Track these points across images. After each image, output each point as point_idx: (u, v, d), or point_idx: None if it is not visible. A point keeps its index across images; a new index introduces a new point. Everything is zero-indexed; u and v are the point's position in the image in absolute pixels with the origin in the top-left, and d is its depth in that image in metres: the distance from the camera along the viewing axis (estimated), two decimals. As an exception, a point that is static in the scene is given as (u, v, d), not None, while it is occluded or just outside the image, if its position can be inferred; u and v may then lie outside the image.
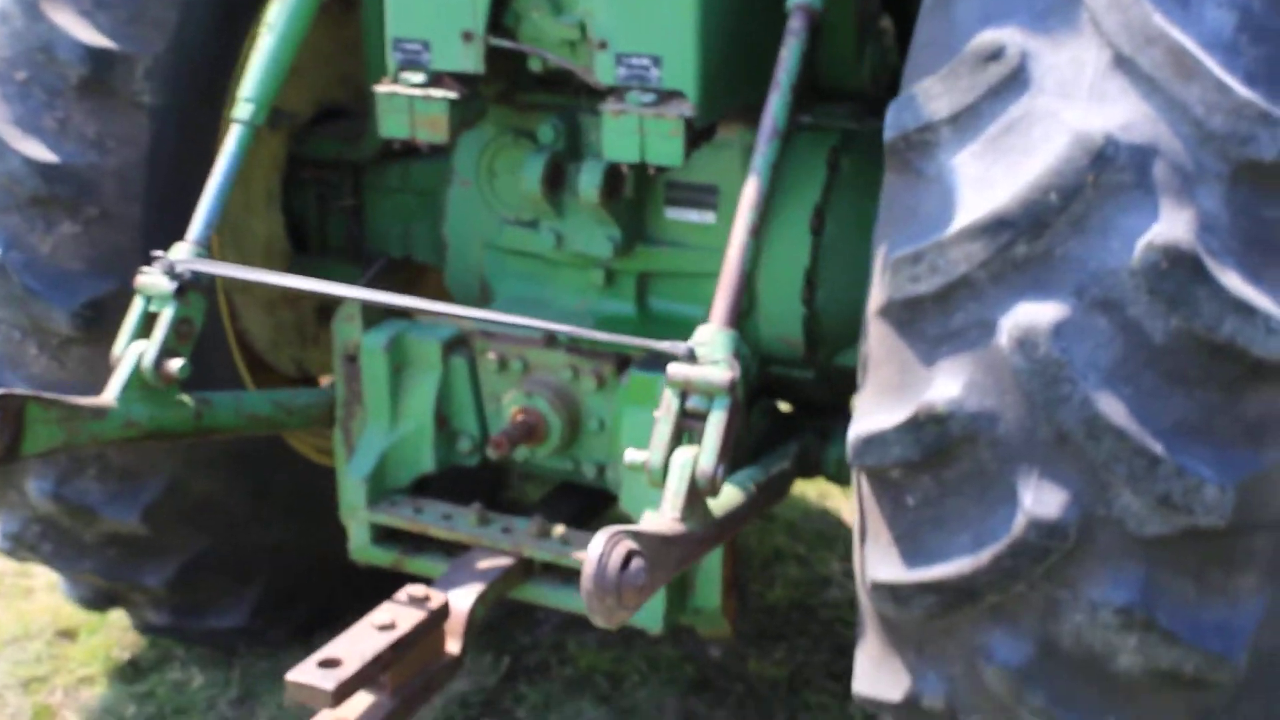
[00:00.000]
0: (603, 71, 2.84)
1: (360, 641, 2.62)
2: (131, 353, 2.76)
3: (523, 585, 3.02)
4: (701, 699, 3.68)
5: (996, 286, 2.20)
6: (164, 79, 3.06)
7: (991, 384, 2.21)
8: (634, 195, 3.14)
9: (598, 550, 2.11)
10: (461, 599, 2.83)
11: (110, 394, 2.73)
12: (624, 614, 2.14)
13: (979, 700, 2.38)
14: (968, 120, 2.25)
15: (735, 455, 2.50)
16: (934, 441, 2.25)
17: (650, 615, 2.90)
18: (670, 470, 2.36)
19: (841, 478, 3.25)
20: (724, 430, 2.36)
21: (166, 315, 2.76)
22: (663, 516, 2.32)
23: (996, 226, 2.17)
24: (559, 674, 3.76)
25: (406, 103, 2.98)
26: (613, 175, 3.04)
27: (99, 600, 3.61)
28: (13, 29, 2.99)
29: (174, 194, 3.13)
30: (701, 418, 2.38)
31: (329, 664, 2.54)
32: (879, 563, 2.40)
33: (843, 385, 3.40)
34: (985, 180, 2.22)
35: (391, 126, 3.01)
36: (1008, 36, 2.23)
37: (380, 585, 3.99)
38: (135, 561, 3.38)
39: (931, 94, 2.28)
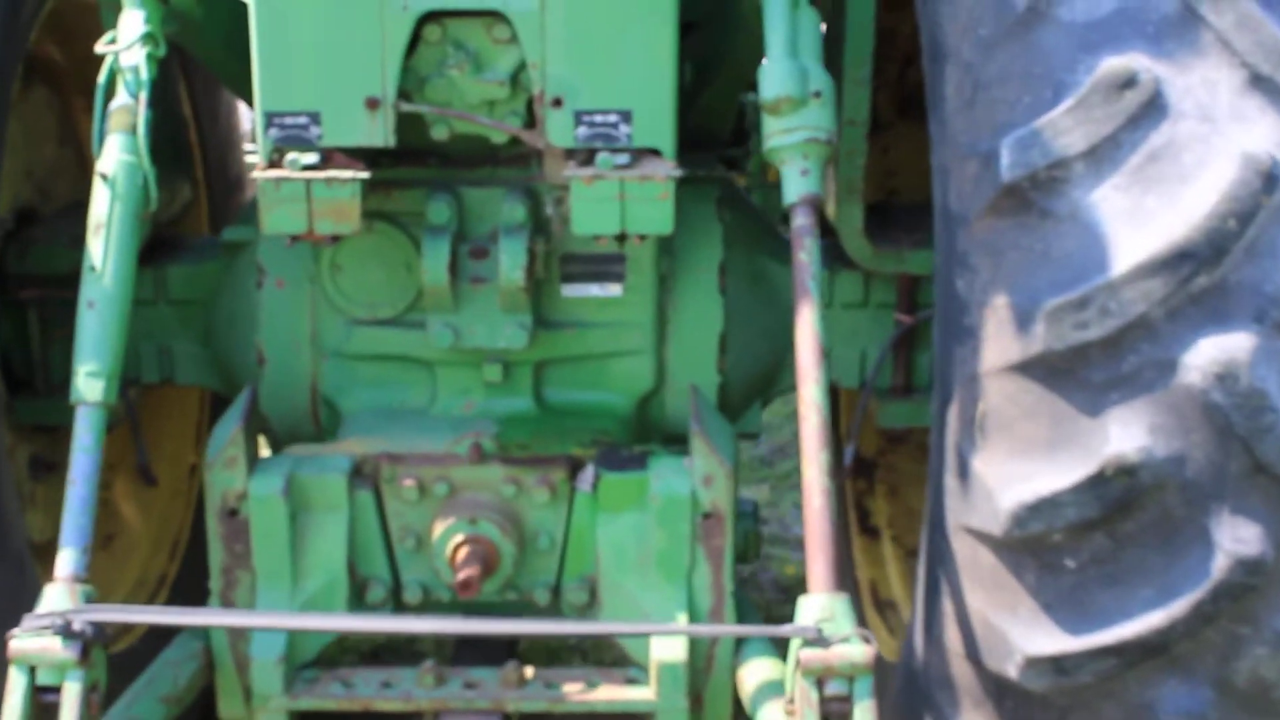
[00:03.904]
0: (558, 133, 2.44)
1: None
2: None
3: (513, 747, 2.54)
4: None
5: (1172, 323, 2.08)
6: None
7: (1176, 425, 2.09)
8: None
9: None
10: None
11: None
12: None
13: (1136, 762, 2.26)
14: (1107, 152, 2.12)
15: None
16: (1120, 495, 2.11)
17: None
18: None
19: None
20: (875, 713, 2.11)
21: (73, 691, 2.10)
22: None
23: (1178, 259, 2.06)
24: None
25: (303, 189, 2.42)
26: (530, 255, 2.64)
27: None
28: None
29: None
30: (844, 700, 2.11)
31: None
32: (1029, 636, 2.22)
33: None
34: (1140, 213, 2.10)
35: (280, 221, 2.44)
36: (1133, 62, 2.13)
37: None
38: None
39: (1060, 128, 2.13)
